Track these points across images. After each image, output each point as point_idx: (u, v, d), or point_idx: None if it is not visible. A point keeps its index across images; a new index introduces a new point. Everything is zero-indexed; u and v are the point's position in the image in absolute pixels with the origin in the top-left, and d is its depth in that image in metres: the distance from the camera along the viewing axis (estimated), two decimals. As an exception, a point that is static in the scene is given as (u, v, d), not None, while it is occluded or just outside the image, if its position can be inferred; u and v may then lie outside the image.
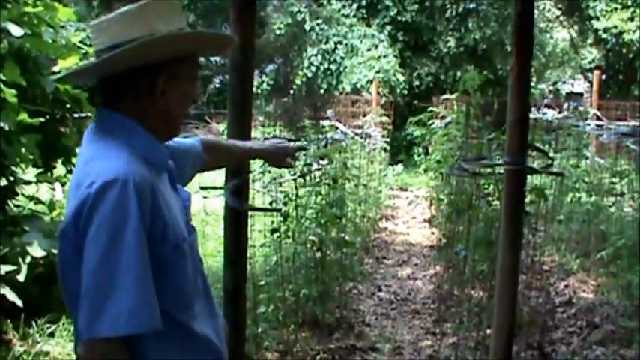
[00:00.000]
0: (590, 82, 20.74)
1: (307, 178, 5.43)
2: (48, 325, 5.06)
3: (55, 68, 5.65)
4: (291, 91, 20.47)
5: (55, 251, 5.00)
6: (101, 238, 1.57)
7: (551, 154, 5.56)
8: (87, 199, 1.59)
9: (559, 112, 11.34)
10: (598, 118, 11.78)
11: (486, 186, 5.56)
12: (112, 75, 1.78)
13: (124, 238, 1.57)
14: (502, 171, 3.45)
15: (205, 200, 4.29)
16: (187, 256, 1.78)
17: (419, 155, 17.43)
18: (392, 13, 20.36)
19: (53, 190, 6.27)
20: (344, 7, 20.62)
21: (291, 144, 2.77)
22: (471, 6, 21.46)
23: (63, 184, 5.99)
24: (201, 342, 1.83)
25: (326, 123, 8.43)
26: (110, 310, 1.55)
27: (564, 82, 25.12)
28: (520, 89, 3.05)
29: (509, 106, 3.07)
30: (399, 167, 17.34)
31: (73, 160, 5.78)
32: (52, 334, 5.01)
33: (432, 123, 9.95)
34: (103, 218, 1.57)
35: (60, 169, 6.00)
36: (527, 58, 3.04)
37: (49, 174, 5.86)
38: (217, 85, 24.85)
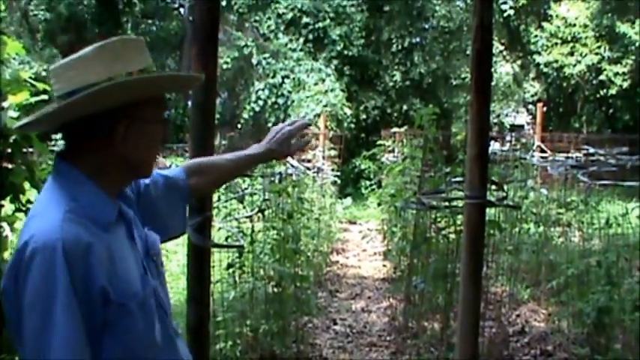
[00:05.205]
0: (533, 115, 21.23)
1: (265, 213, 5.43)
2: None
3: (5, 104, 5.53)
4: (239, 125, 20.46)
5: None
6: (34, 310, 1.52)
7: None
8: (21, 265, 1.54)
9: (502, 145, 11.58)
10: (542, 150, 12.04)
11: (439, 219, 5.62)
12: (71, 122, 1.69)
13: (55, 313, 1.51)
14: (458, 204, 3.49)
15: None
16: (136, 313, 1.67)
17: (366, 188, 17.54)
18: (338, 48, 20.60)
19: (1, 228, 6.08)
20: (291, 41, 20.76)
21: (289, 127, 2.35)
22: (416, 40, 21.86)
23: (11, 223, 5.82)
24: None
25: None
26: None
27: (507, 115, 25.65)
28: (480, 124, 3.11)
29: (470, 140, 3.12)
30: (348, 200, 17.42)
31: (22, 198, 5.62)
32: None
33: (382, 156, 10.04)
34: (34, 290, 1.52)
35: (8, 208, 5.83)
36: (487, 93, 3.11)
37: (-2, 212, 5.68)
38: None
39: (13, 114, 5.36)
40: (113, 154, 1.71)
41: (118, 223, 1.76)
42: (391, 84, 21.59)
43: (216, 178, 2.36)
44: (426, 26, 22.51)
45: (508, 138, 12.49)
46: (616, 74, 21.71)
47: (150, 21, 25.76)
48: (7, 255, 5.70)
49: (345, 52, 20.70)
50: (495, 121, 23.75)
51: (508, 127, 24.35)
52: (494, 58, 22.77)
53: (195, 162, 2.37)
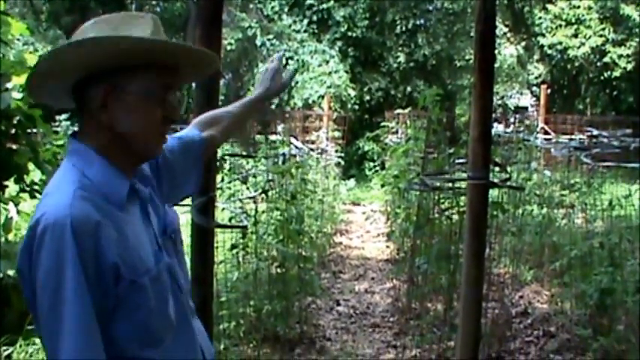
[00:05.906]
0: (537, 97, 21.19)
1: (268, 194, 5.45)
2: (5, 347, 4.94)
3: (9, 85, 5.51)
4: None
5: (10, 273, 4.90)
6: (46, 286, 1.53)
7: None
8: (33, 244, 1.55)
9: (506, 126, 11.57)
10: (546, 132, 12.04)
11: (443, 200, 5.63)
12: (77, 97, 1.70)
13: (64, 290, 1.51)
14: (461, 185, 3.49)
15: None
16: (148, 289, 1.66)
17: (370, 170, 17.53)
18: (342, 29, 20.54)
19: (6, 209, 6.09)
20: (295, 22, 20.70)
21: (271, 65, 2.44)
22: (421, 22, 21.77)
23: (16, 204, 5.82)
24: None
25: (274, 137, 8.46)
26: (61, 357, 1.53)
27: (511, 97, 25.59)
28: (483, 105, 3.11)
29: (472, 121, 3.13)
30: (351, 182, 17.43)
31: (26, 179, 5.61)
32: (9, 357, 4.90)
33: (386, 138, 10.04)
34: (45, 266, 1.53)
35: (12, 188, 5.83)
36: (489, 75, 3.11)
37: (1, 193, 5.69)
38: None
39: (17, 95, 5.36)
40: (98, 123, 1.68)
41: (133, 200, 1.75)
42: (395, 65, 21.53)
43: (229, 125, 2.32)
44: (430, 8, 22.40)
45: (512, 120, 12.48)
46: (620, 56, 21.64)
47: (154, 2, 25.62)
48: (11, 236, 5.73)
49: (349, 33, 20.64)
50: (499, 103, 23.70)
51: (512, 109, 24.30)
52: (498, 40, 22.70)
53: (205, 115, 2.32)
